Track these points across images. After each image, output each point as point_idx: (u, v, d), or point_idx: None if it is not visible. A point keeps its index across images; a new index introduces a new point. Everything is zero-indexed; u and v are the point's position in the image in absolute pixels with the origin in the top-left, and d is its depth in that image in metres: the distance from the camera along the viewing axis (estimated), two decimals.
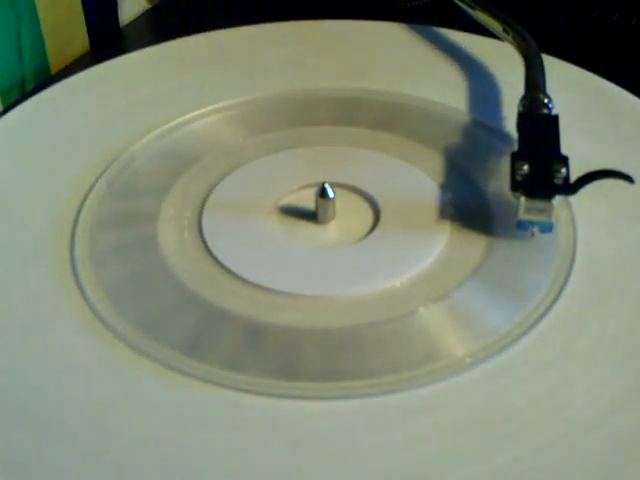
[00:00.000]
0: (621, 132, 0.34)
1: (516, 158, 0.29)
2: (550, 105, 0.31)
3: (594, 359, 0.25)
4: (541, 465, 0.22)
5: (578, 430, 0.23)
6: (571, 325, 0.26)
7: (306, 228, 0.30)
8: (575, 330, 0.26)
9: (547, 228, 0.28)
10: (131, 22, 0.47)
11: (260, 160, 0.33)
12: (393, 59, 0.39)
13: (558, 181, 0.28)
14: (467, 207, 0.30)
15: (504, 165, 0.30)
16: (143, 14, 0.48)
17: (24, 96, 0.39)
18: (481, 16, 0.38)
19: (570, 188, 0.28)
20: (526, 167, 0.28)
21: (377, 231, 0.29)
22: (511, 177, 0.28)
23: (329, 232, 0.30)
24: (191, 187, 0.32)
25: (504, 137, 0.33)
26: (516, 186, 0.28)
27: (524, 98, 0.32)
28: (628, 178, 0.28)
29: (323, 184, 0.30)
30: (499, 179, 0.31)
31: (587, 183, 0.28)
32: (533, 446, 0.23)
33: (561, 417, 0.23)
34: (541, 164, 0.29)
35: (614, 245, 0.29)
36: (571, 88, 0.36)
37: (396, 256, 0.29)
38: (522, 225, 0.28)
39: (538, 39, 0.35)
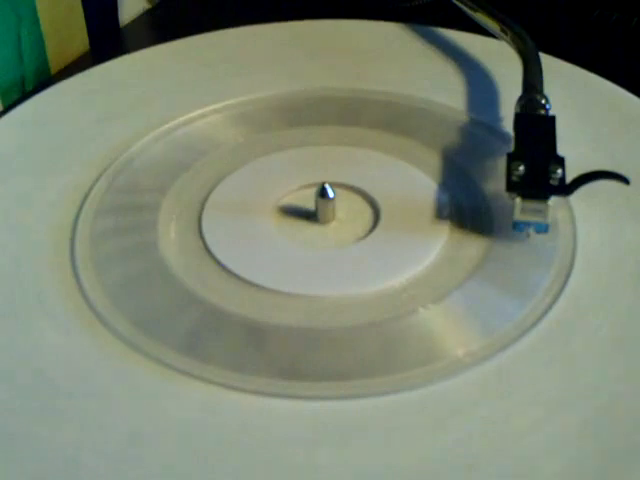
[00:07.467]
0: (620, 132, 0.34)
1: (512, 159, 0.29)
2: (547, 106, 0.31)
3: (594, 359, 0.25)
4: (541, 465, 0.22)
5: (578, 430, 0.23)
6: (571, 325, 0.26)
7: (306, 228, 0.30)
8: (575, 330, 0.26)
9: (543, 229, 0.28)
10: (131, 22, 0.47)
11: (260, 160, 0.33)
12: (393, 59, 0.39)
13: (554, 182, 0.28)
14: (467, 207, 0.30)
15: (504, 165, 0.30)
16: (143, 14, 0.48)
17: (24, 96, 0.39)
18: (480, 16, 0.38)
19: (566, 189, 0.28)
20: (522, 168, 0.28)
21: (377, 231, 0.30)
22: (507, 178, 0.28)
23: (329, 232, 0.30)
24: (191, 187, 0.32)
25: (504, 137, 0.33)
26: (512, 187, 0.28)
27: (521, 98, 0.32)
28: (623, 179, 0.28)
29: (323, 184, 0.30)
30: (499, 179, 0.31)
31: (583, 184, 0.28)
32: (533, 446, 0.23)
33: (561, 417, 0.23)
34: (537, 165, 0.28)
35: (614, 245, 0.29)
36: (571, 88, 0.36)
37: (396, 256, 0.29)
38: (518, 226, 0.28)
39: (538, 39, 0.35)
